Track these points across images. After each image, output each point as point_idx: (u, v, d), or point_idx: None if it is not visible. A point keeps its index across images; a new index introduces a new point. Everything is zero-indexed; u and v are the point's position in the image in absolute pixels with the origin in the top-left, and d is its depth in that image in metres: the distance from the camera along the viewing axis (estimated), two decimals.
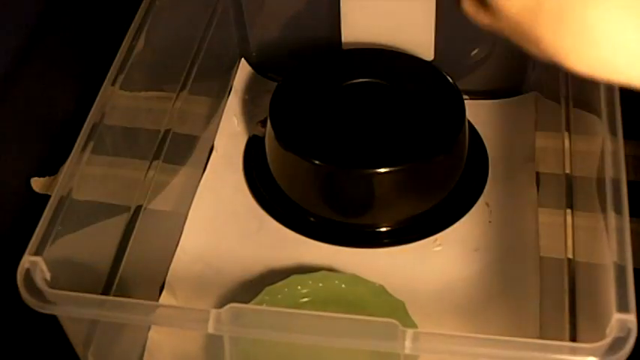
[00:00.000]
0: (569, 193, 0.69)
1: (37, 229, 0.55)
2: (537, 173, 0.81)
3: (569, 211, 0.68)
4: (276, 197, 0.80)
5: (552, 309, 0.68)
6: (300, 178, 0.78)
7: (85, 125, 0.62)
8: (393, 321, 0.50)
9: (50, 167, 0.82)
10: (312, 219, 0.78)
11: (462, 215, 0.78)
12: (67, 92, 0.88)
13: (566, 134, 0.73)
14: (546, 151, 0.81)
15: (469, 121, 0.83)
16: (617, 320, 0.49)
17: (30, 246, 0.54)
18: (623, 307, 0.49)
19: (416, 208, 0.78)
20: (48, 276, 0.54)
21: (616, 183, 0.57)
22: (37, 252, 0.54)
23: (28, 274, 0.53)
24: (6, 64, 0.77)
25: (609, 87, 0.62)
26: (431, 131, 0.77)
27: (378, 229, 0.78)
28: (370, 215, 0.78)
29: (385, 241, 0.77)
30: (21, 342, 0.71)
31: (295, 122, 0.78)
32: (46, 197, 0.77)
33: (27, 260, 0.53)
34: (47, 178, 0.82)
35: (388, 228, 0.77)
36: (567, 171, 0.71)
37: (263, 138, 0.83)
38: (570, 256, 0.65)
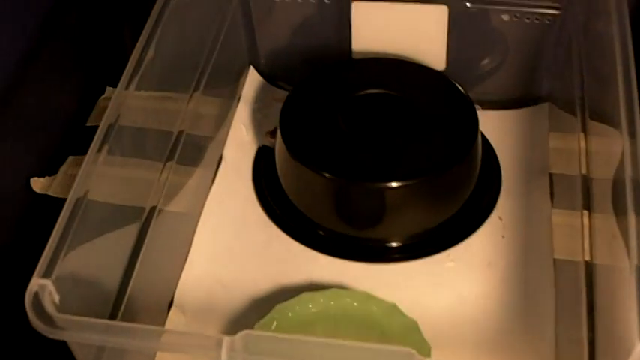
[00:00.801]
0: (586, 202, 0.68)
1: (45, 251, 0.54)
2: (550, 175, 0.80)
3: (586, 221, 0.67)
4: (285, 210, 0.79)
5: (569, 326, 0.66)
6: (310, 191, 0.77)
7: (95, 138, 0.61)
8: (411, 350, 0.49)
9: (50, 168, 0.82)
10: (322, 232, 0.77)
11: (475, 229, 0.77)
12: (68, 93, 0.88)
13: (581, 135, 0.71)
14: (560, 153, 0.81)
15: (481, 133, 0.82)
16: None
17: (38, 268, 0.53)
18: None
19: (428, 222, 0.76)
20: (57, 299, 0.53)
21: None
22: (46, 274, 0.53)
23: (36, 297, 0.52)
24: (7, 66, 0.76)
25: (629, 95, 0.61)
26: (444, 143, 0.76)
27: (389, 244, 0.76)
28: (381, 230, 0.76)
29: (396, 256, 0.76)
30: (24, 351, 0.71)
31: (306, 134, 0.77)
32: (46, 197, 0.79)
33: (36, 283, 0.52)
34: (47, 178, 0.81)
35: (400, 243, 0.76)
36: (583, 172, 0.69)
37: (272, 149, 0.82)
38: (588, 270, 0.64)
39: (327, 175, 0.74)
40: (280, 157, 0.79)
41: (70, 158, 0.83)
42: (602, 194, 0.64)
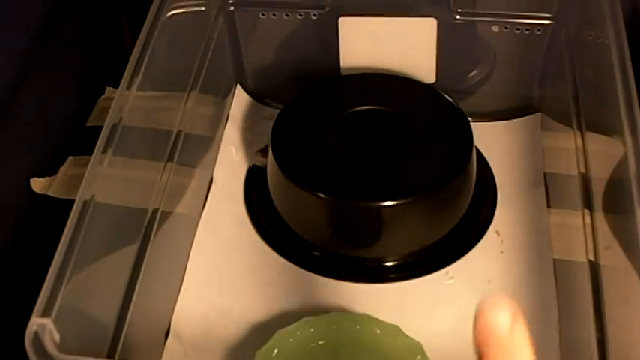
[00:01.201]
0: (586, 201, 0.67)
1: (43, 289, 0.52)
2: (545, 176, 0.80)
3: (588, 221, 0.66)
4: (279, 231, 0.78)
5: (574, 328, 0.66)
6: (304, 211, 0.76)
7: (98, 143, 0.60)
8: None
9: (50, 168, 0.82)
10: (317, 253, 0.76)
11: (473, 244, 0.76)
12: (68, 93, 0.87)
13: (577, 134, 0.71)
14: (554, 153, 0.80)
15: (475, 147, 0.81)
16: None
17: (37, 306, 0.51)
18: None
19: (426, 240, 0.75)
20: (57, 337, 0.51)
21: None
22: (45, 312, 0.51)
23: (36, 337, 0.51)
24: (7, 66, 0.76)
25: (629, 98, 0.61)
26: (438, 159, 0.75)
27: (386, 263, 0.75)
28: (377, 249, 0.75)
29: (394, 275, 0.75)
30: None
31: (298, 153, 0.76)
32: (46, 198, 0.79)
33: (35, 322, 0.51)
34: (47, 178, 0.81)
35: (397, 261, 0.75)
36: (582, 171, 0.69)
37: (263, 168, 0.80)
38: (593, 269, 0.63)
39: (321, 195, 0.73)
40: (272, 176, 0.78)
41: (70, 158, 0.83)
42: (600, 194, 0.64)
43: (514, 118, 0.86)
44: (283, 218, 0.77)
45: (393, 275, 0.75)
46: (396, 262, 0.75)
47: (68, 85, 0.88)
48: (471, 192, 0.77)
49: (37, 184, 0.81)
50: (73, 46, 0.88)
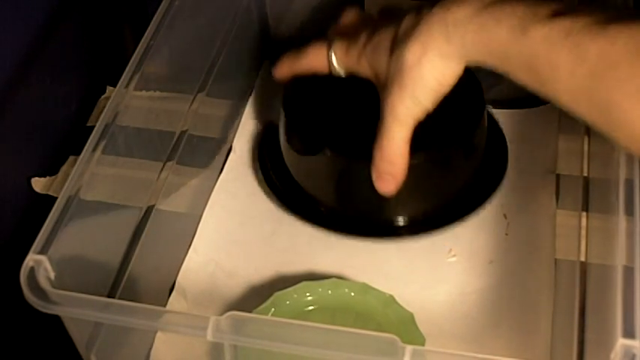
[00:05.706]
0: (585, 203, 0.68)
1: (43, 228, 0.55)
2: (558, 176, 0.80)
3: (584, 222, 0.67)
4: (291, 190, 0.78)
5: (564, 325, 0.67)
6: (312, 169, 0.77)
7: (97, 126, 0.62)
8: (393, 336, 0.49)
9: (51, 167, 0.83)
10: (322, 209, 0.77)
11: (476, 207, 0.76)
12: (68, 93, 0.88)
13: (585, 138, 0.71)
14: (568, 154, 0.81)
15: (497, 124, 0.82)
16: (622, 346, 0.48)
17: (35, 244, 0.54)
18: (628, 333, 0.48)
19: (429, 203, 0.76)
20: (52, 275, 0.54)
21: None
22: (42, 250, 0.54)
23: (32, 272, 0.53)
24: (7, 66, 0.77)
25: None
26: (447, 123, 0.74)
27: (391, 223, 0.76)
28: (383, 208, 0.75)
29: (398, 233, 0.76)
30: (23, 340, 0.72)
31: (309, 113, 0.77)
32: (47, 197, 0.80)
33: (31, 259, 0.53)
34: (48, 178, 0.82)
35: (402, 221, 0.76)
36: (585, 174, 0.69)
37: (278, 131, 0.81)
38: (584, 268, 0.64)
39: (328, 153, 0.73)
40: (284, 135, 0.78)
41: (71, 158, 0.83)
42: (601, 196, 0.64)
43: (534, 107, 0.87)
44: (295, 179, 0.78)
45: (396, 233, 0.76)
46: (400, 222, 0.76)
47: (68, 84, 0.88)
48: (479, 157, 0.77)
49: (38, 184, 0.81)
50: (73, 45, 0.88)
